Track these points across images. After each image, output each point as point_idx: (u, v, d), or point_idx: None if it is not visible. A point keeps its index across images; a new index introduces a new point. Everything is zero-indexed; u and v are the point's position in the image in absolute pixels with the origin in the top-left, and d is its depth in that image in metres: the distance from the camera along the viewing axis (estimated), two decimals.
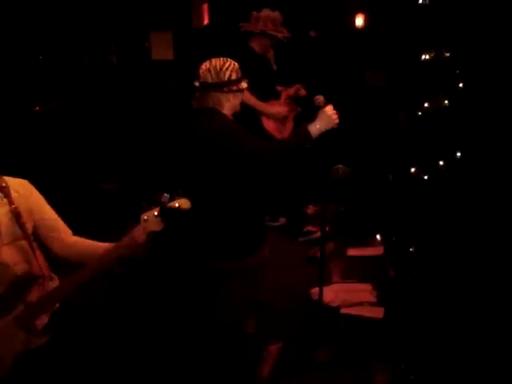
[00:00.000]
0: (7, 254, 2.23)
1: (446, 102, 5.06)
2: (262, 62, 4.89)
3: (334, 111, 3.08)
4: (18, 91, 6.26)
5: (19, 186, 2.35)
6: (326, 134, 3.05)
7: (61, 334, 2.31)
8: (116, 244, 2.35)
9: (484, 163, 4.82)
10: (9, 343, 2.20)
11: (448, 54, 5.18)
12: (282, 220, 5.63)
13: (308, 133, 2.99)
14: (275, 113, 4.76)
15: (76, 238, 2.50)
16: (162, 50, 6.64)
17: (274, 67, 5.16)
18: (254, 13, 4.84)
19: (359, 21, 6.38)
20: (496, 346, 3.33)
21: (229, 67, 3.10)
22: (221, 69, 3.09)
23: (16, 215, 2.24)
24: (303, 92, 5.07)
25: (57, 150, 6.19)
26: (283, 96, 5.01)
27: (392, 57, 5.99)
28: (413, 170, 4.93)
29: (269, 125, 4.81)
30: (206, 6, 6.63)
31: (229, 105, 3.12)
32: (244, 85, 3.15)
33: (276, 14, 4.83)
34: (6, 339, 2.20)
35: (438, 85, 5.16)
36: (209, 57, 3.17)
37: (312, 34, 6.52)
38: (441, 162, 4.89)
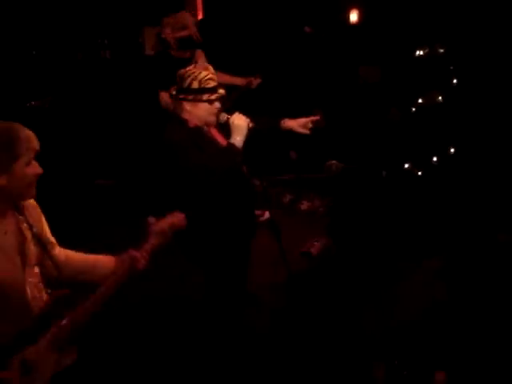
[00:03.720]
0: (35, 275, 2.16)
1: (440, 97, 5.07)
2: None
3: (241, 115, 3.10)
4: (11, 86, 6.24)
5: (32, 209, 2.26)
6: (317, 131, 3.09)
7: (87, 349, 2.24)
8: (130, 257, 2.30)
9: (478, 159, 4.84)
10: (44, 368, 2.07)
11: (442, 50, 5.18)
12: (267, 214, 5.55)
13: (233, 145, 3.04)
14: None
15: (67, 253, 2.38)
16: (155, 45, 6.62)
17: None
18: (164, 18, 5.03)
19: (353, 16, 6.38)
20: (495, 341, 3.36)
21: (192, 74, 3.05)
22: (183, 74, 3.08)
23: (37, 237, 2.16)
24: (256, 83, 5.08)
25: (51, 145, 6.17)
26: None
27: (386, 52, 5.99)
28: (406, 165, 4.94)
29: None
30: (199, 1, 6.62)
31: (188, 114, 3.08)
32: (206, 97, 3.04)
33: (182, 16, 5.03)
34: (43, 364, 2.07)
35: (431, 81, 5.17)
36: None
37: (307, 29, 6.51)
38: (434, 158, 4.91)
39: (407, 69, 5.48)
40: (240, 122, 3.07)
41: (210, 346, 3.33)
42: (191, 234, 2.98)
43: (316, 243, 4.80)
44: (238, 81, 5.07)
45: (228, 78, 4.92)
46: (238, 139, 3.05)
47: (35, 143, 2.07)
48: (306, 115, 3.42)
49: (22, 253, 2.10)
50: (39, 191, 2.41)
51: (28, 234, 2.11)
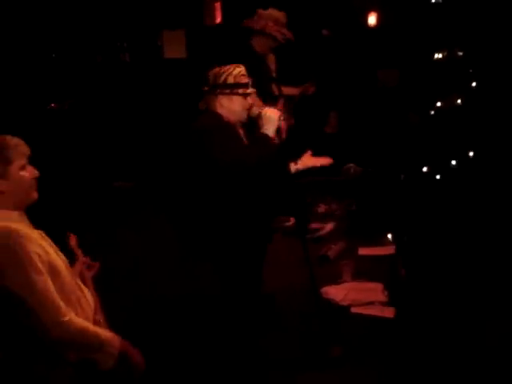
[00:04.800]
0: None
1: (459, 101, 5.04)
2: (259, 62, 4.78)
3: (272, 108, 3.23)
4: (32, 89, 6.31)
5: None
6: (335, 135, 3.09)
7: None
8: None
9: (497, 163, 4.80)
10: None
11: (461, 53, 5.16)
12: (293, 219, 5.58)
13: (267, 135, 3.10)
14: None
15: None
16: (174, 48, 6.67)
17: (273, 71, 5.05)
18: (259, 10, 4.78)
19: (372, 19, 6.37)
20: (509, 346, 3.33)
21: (227, 71, 3.17)
22: (219, 72, 3.19)
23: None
24: (312, 90, 5.03)
25: (71, 147, 6.23)
26: (280, 102, 4.94)
27: (404, 56, 5.97)
28: (425, 169, 4.92)
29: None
30: (218, 4, 6.64)
31: (224, 109, 3.17)
32: (241, 90, 3.17)
33: (280, 14, 4.74)
34: None
35: (450, 84, 5.15)
36: (221, 55, 3.25)
37: (325, 32, 6.51)
38: (453, 162, 4.88)
39: (426, 72, 5.46)
40: (272, 114, 3.16)
41: (222, 347, 3.34)
42: (211, 232, 3.09)
43: (334, 246, 4.78)
44: (295, 91, 5.05)
45: (287, 90, 4.95)
46: (270, 130, 3.14)
47: (25, 148, 2.19)
48: (324, 118, 3.47)
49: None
50: (58, 193, 2.44)
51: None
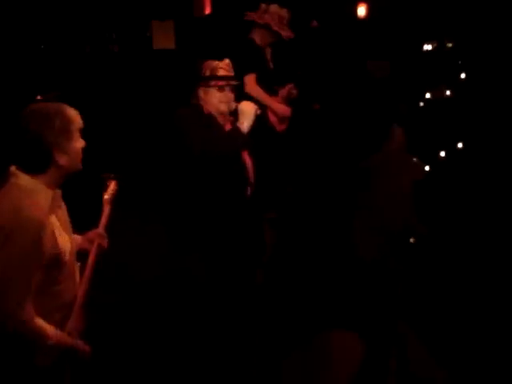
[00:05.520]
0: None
1: (448, 92, 5.05)
2: (260, 56, 4.82)
3: (249, 102, 3.36)
4: (20, 80, 6.26)
5: None
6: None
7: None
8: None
9: (485, 154, 4.82)
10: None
11: (450, 45, 5.17)
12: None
13: (238, 129, 3.23)
14: (280, 111, 4.67)
15: None
16: (163, 39, 6.64)
17: (271, 65, 5.07)
18: (263, 5, 4.78)
19: (361, 11, 6.37)
20: (493, 334, 3.36)
21: (207, 64, 3.27)
22: (201, 64, 3.30)
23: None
24: (295, 92, 5.02)
25: None
26: (280, 95, 4.94)
27: (394, 47, 5.98)
28: (414, 160, 4.93)
29: (272, 116, 4.79)
30: None
31: (202, 101, 3.26)
32: (214, 83, 3.23)
33: (284, 12, 4.76)
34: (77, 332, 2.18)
35: (440, 75, 5.16)
36: (210, 46, 3.29)
37: (314, 24, 6.50)
38: (442, 153, 4.89)
39: (415, 63, 5.47)
40: (247, 108, 3.28)
41: (211, 340, 3.35)
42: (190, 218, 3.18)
43: None
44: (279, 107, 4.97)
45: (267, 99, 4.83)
46: (244, 124, 3.25)
47: (80, 121, 2.19)
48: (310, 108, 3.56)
49: (65, 226, 2.21)
50: None
51: (58, 209, 2.20)
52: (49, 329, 2.05)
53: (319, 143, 5.66)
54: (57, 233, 2.09)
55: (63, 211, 2.22)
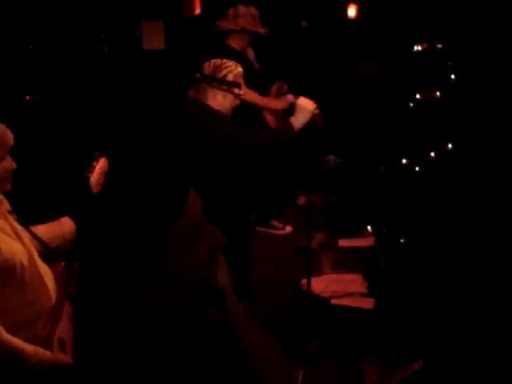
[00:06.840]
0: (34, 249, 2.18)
1: (438, 93, 5.05)
2: (243, 61, 4.76)
3: (308, 99, 3.22)
4: (7, 80, 6.21)
5: None
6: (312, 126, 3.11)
7: None
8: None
9: (475, 155, 4.82)
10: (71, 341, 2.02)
11: (440, 46, 5.17)
12: (288, 228, 5.49)
13: (290, 125, 3.11)
14: (279, 107, 4.63)
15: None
16: (153, 39, 6.60)
17: (256, 65, 5.02)
18: (231, 9, 4.72)
19: (351, 11, 6.36)
20: (489, 339, 3.34)
21: (228, 67, 3.20)
22: (220, 65, 3.21)
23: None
24: (285, 87, 5.00)
25: (47, 139, 6.14)
26: (272, 93, 4.92)
27: (384, 48, 5.97)
28: (404, 161, 4.93)
29: (269, 116, 4.78)
30: None
31: (216, 102, 3.19)
32: (236, 90, 3.19)
33: (253, 10, 4.71)
34: (70, 337, 2.02)
35: (430, 76, 5.16)
36: (199, 45, 3.24)
37: (303, 24, 6.48)
38: (432, 154, 4.89)
39: (405, 64, 5.46)
40: (307, 105, 3.19)
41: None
42: None
43: (314, 238, 4.78)
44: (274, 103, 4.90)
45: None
46: (300, 121, 3.15)
47: (10, 139, 2.08)
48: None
49: (16, 231, 2.11)
50: (33, 184, 2.39)
51: (8, 215, 2.12)
52: (26, 347, 1.90)
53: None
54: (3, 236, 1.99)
55: (2, 220, 2.09)
